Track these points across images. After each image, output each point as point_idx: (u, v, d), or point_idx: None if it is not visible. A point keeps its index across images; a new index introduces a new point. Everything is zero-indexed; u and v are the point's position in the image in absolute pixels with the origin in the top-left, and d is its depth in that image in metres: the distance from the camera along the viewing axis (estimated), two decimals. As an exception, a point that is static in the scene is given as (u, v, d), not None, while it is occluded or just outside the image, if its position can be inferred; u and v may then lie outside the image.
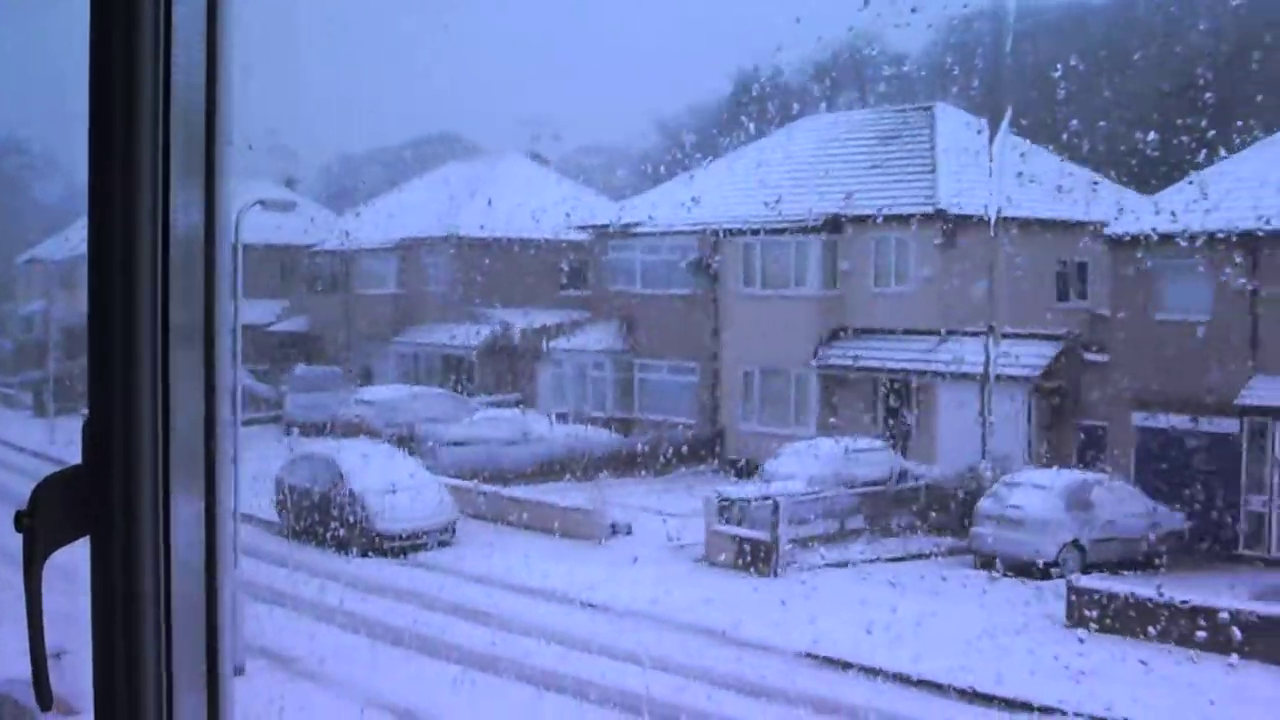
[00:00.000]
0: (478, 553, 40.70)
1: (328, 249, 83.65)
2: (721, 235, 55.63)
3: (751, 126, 76.80)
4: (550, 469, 50.87)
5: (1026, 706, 26.41)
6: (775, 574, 37.43)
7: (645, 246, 59.62)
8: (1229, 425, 40.88)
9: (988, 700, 26.82)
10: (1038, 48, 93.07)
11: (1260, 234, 40.15)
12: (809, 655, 29.98)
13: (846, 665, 29.29)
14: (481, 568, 38.81)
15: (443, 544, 41.63)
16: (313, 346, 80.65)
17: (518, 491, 47.00)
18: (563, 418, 58.43)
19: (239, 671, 27.91)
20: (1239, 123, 51.78)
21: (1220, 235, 40.53)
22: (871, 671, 28.71)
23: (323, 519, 42.16)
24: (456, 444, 51.95)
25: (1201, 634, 29.92)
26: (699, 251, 56.50)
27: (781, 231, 53.31)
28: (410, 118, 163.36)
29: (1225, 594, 32.49)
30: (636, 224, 60.12)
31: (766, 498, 39.69)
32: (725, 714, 26.09)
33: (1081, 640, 30.95)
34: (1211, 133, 48.98)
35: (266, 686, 27.53)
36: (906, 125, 56.02)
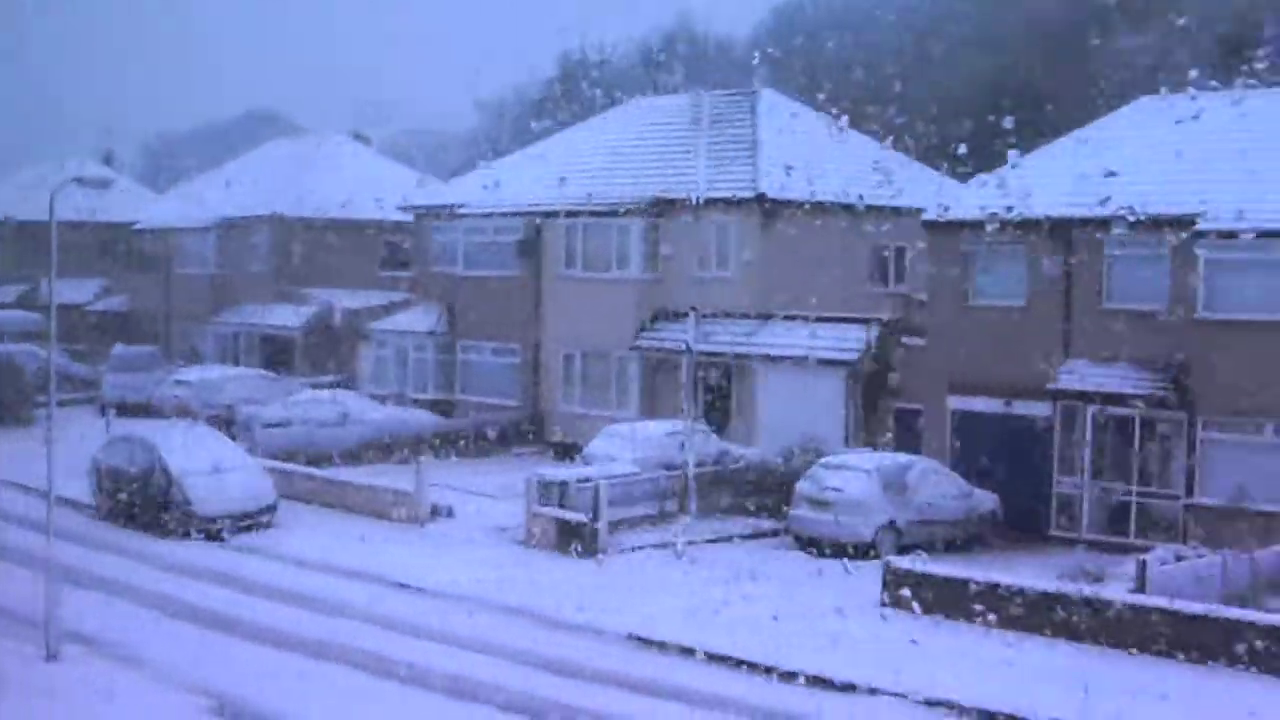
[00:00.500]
0: (297, 535, 40.51)
1: (147, 227, 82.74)
2: (544, 217, 55.60)
3: (575, 108, 77.02)
4: (371, 451, 50.70)
5: (846, 687, 26.76)
6: (595, 556, 37.53)
7: (468, 228, 59.42)
8: (1042, 409, 41.56)
9: (794, 678, 27.08)
10: (861, 38, 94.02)
11: (1073, 221, 40.85)
12: (630, 637, 30.14)
13: (664, 646, 29.46)
14: (301, 550, 38.65)
15: (263, 526, 41.29)
16: (131, 326, 79.75)
17: (338, 473, 46.79)
18: (384, 399, 58.22)
19: (54, 658, 27.60)
20: (1051, 115, 52.70)
21: (1034, 223, 41.17)
22: (689, 651, 28.92)
23: (140, 501, 41.70)
24: (276, 425, 51.57)
25: (1012, 612, 30.48)
26: (522, 233, 56.43)
27: (603, 214, 53.38)
28: (232, 95, 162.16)
29: (1035, 574, 33.10)
30: (459, 205, 59.94)
31: (587, 480, 39.75)
32: (542, 694, 26.14)
33: (893, 619, 31.41)
34: (1027, 124, 49.84)
35: (82, 673, 27.21)
36: (729, 109, 56.29)
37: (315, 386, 60.40)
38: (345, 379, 64.56)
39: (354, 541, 39.48)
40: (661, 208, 52.41)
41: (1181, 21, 67.53)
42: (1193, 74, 46.15)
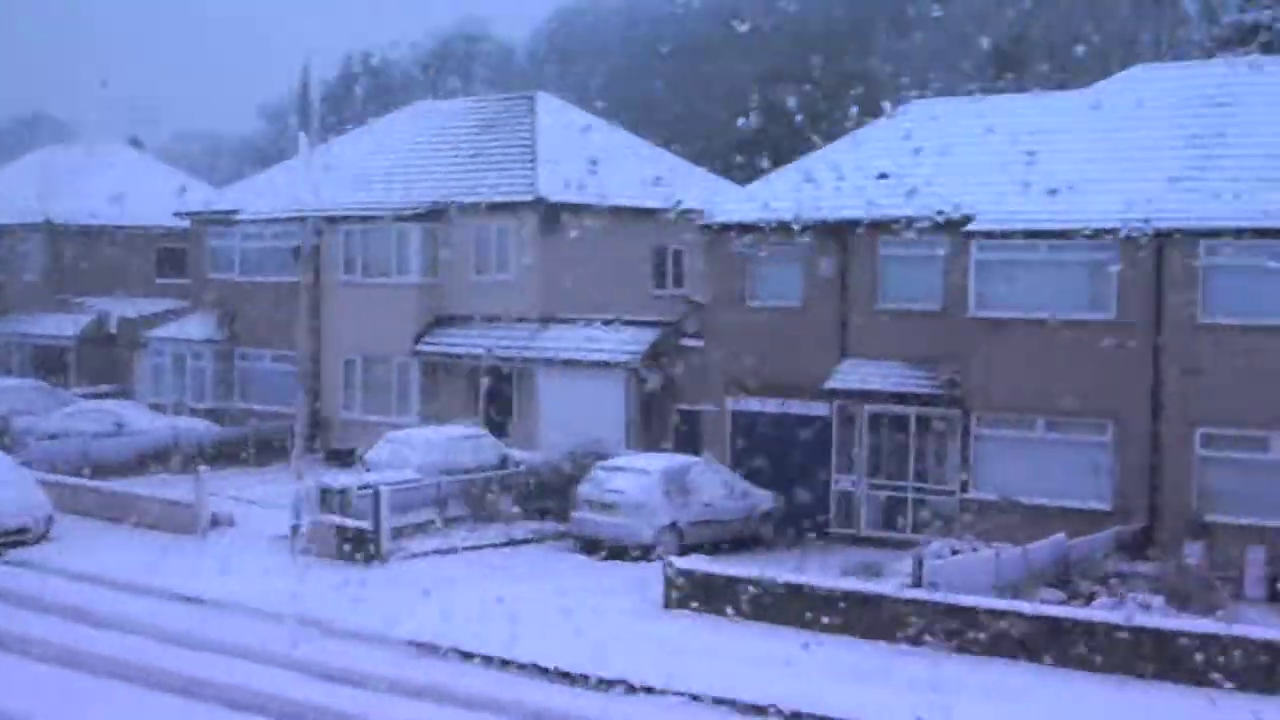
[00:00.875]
0: (75, 549, 39.85)
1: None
2: (323, 223, 55.23)
3: (355, 112, 76.60)
4: (149, 461, 49.98)
5: (626, 687, 26.93)
6: (378, 563, 37.41)
7: (245, 234, 58.99)
8: (819, 408, 42.15)
9: (580, 680, 27.24)
10: (637, 39, 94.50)
11: (845, 224, 41.43)
12: (410, 643, 30.07)
13: (445, 651, 29.44)
14: (79, 564, 38.01)
15: (38, 540, 40.57)
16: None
17: (117, 485, 46.09)
18: (162, 409, 57.51)
19: None
20: (827, 118, 53.34)
21: (808, 225, 41.63)
22: (469, 656, 28.96)
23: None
24: (49, 437, 50.74)
25: (792, 609, 30.86)
26: (300, 239, 56.06)
27: (382, 219, 53.20)
28: (1, 98, 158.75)
29: (814, 571, 33.54)
30: (236, 211, 59.42)
31: (368, 486, 39.55)
32: (321, 703, 26.01)
33: (673, 619, 31.71)
34: (803, 126, 50.41)
35: None
36: (508, 113, 56.39)
37: (93, 396, 59.52)
38: (122, 389, 63.62)
39: (133, 554, 38.94)
40: (441, 212, 52.35)
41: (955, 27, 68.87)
42: (936, 87, 47.12)
